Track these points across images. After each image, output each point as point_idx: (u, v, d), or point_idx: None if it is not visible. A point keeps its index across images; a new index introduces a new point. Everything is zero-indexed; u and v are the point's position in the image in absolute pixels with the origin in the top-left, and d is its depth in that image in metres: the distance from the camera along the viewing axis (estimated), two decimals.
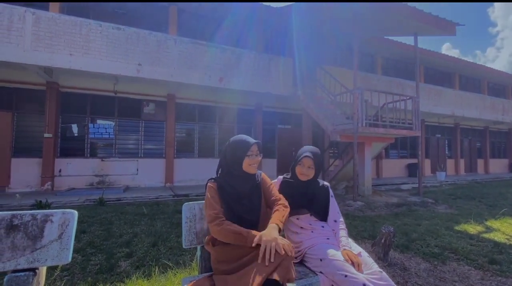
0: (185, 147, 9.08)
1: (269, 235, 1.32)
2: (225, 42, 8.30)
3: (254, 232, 1.36)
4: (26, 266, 1.28)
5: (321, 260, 1.51)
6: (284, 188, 1.79)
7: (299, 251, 1.66)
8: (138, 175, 8.21)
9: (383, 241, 2.69)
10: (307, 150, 1.78)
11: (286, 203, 1.61)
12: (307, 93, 8.26)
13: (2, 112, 6.98)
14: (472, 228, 4.17)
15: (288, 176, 1.85)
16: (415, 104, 7.05)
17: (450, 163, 14.87)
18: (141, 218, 4.31)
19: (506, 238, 3.71)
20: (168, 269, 2.45)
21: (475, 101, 13.50)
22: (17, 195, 5.28)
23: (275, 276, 1.16)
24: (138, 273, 2.40)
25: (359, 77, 6.96)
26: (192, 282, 1.39)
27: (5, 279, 1.23)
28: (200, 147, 9.25)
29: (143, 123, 8.50)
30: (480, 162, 16.27)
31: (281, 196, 1.64)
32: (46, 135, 7.10)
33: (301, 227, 1.75)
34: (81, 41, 6.43)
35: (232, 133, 9.41)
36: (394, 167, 12.99)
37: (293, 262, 1.54)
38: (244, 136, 1.60)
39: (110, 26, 6.73)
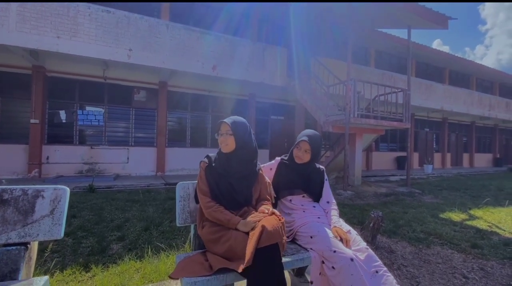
0: (177, 136, 9.00)
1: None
2: (219, 30, 8.15)
3: (236, 217, 1.41)
4: (17, 240, 1.26)
5: (311, 237, 1.56)
6: (281, 169, 1.82)
7: (291, 230, 1.70)
8: (128, 164, 8.11)
9: (371, 225, 2.78)
10: (306, 134, 1.78)
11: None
12: (301, 84, 8.26)
13: None
14: (456, 216, 4.34)
15: (286, 158, 1.87)
16: (406, 96, 7.16)
17: (437, 156, 15.29)
18: (133, 204, 4.29)
19: (488, 225, 3.88)
20: (161, 251, 2.47)
21: (463, 96, 13.83)
22: (3, 180, 5.15)
23: (261, 244, 1.20)
24: (131, 255, 2.41)
25: (352, 69, 6.99)
26: (186, 257, 1.40)
27: None
28: (192, 136, 9.18)
29: (133, 111, 8.34)
30: (465, 156, 16.80)
31: (269, 198, 1.67)
32: (32, 121, 6.89)
33: (293, 208, 1.79)
34: (69, 24, 6.20)
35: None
36: (384, 160, 13.26)
37: (286, 240, 1.58)
38: (231, 117, 1.61)
39: (99, 8, 6.50)
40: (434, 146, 15.42)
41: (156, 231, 3.09)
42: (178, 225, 1.63)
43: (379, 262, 1.42)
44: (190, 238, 1.79)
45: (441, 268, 2.48)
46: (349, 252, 1.42)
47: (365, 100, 7.66)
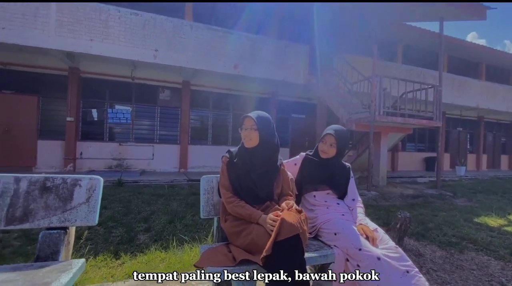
0: (199, 134, 9.22)
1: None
2: (241, 28, 8.21)
3: (257, 212, 1.41)
4: (58, 225, 1.37)
5: (335, 234, 1.53)
6: (305, 164, 1.79)
7: (313, 226, 1.67)
8: (153, 160, 8.45)
9: (398, 226, 2.65)
10: (332, 127, 1.75)
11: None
12: (324, 82, 8.10)
13: (28, 96, 7.32)
14: (493, 221, 4.03)
15: (311, 153, 1.85)
16: (437, 93, 6.77)
17: (471, 157, 14.27)
18: (158, 198, 4.47)
19: None
20: (185, 243, 2.55)
21: (502, 92, 12.76)
22: (43, 173, 5.59)
23: (282, 236, 1.19)
24: (156, 245, 2.52)
25: (378, 65, 6.72)
26: (210, 248, 1.44)
27: (40, 235, 1.33)
28: (213, 134, 9.36)
29: (158, 109, 8.67)
30: (504, 158, 15.51)
31: (292, 194, 1.66)
32: (68, 119, 7.41)
33: (316, 204, 1.76)
34: (100, 27, 6.57)
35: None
36: (411, 160, 12.63)
37: (308, 235, 1.55)
38: (255, 111, 1.61)
39: (128, 12, 6.81)
40: (468, 147, 14.41)
41: (180, 224, 3.20)
42: (202, 217, 1.67)
43: (410, 262, 1.37)
44: (213, 230, 1.83)
45: (476, 275, 2.32)
46: (375, 250, 1.37)
47: (391, 98, 7.34)
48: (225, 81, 8.88)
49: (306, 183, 1.76)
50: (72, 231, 1.47)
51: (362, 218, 1.63)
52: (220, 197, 1.60)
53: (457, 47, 12.25)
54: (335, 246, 1.50)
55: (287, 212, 1.32)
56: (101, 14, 6.57)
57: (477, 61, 13.95)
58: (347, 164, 1.88)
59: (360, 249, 1.38)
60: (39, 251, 1.32)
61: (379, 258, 1.33)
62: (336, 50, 9.02)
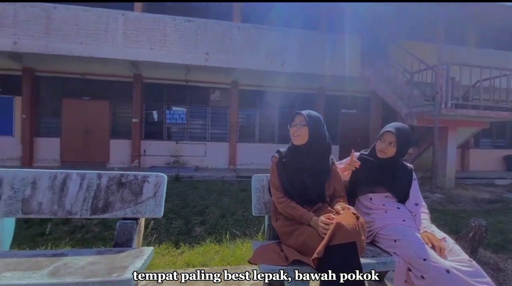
0: (247, 132, 9.47)
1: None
2: (287, 23, 8.10)
3: (309, 213, 1.38)
4: (131, 216, 1.57)
5: (395, 241, 1.41)
6: (360, 164, 1.69)
7: (370, 231, 1.57)
8: (206, 157, 8.99)
9: (471, 235, 2.33)
10: (392, 125, 1.61)
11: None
12: (377, 73, 7.51)
13: (102, 101, 8.49)
14: None
15: (366, 153, 1.74)
16: None
17: None
18: (211, 194, 4.76)
19: None
20: (236, 237, 2.67)
21: None
22: (115, 168, 6.45)
23: (336, 241, 1.14)
24: (211, 238, 2.69)
25: (444, 51, 5.92)
26: (263, 245, 1.48)
27: (117, 224, 1.54)
28: (260, 132, 9.50)
29: (210, 110, 9.17)
30: None
31: (344, 194, 1.58)
32: (134, 120, 8.37)
33: (373, 208, 1.65)
34: (159, 36, 7.22)
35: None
36: (486, 159, 10.87)
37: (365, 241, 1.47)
38: (307, 110, 1.58)
39: (182, 19, 7.34)
40: None
41: (231, 219, 3.36)
42: (253, 214, 1.72)
43: (488, 279, 1.19)
44: (264, 228, 1.87)
45: None
46: (444, 262, 1.23)
47: (461, 88, 6.41)
48: (272, 79, 8.89)
49: (361, 185, 1.66)
50: (142, 221, 1.67)
51: (427, 224, 1.47)
52: (271, 196, 1.63)
53: None
54: (394, 253, 1.39)
55: (344, 215, 1.27)
56: (159, 24, 7.21)
57: None
58: (409, 164, 1.72)
59: (425, 259, 1.26)
60: (116, 238, 1.53)
61: (448, 271, 1.19)
62: (392, 37, 8.24)
